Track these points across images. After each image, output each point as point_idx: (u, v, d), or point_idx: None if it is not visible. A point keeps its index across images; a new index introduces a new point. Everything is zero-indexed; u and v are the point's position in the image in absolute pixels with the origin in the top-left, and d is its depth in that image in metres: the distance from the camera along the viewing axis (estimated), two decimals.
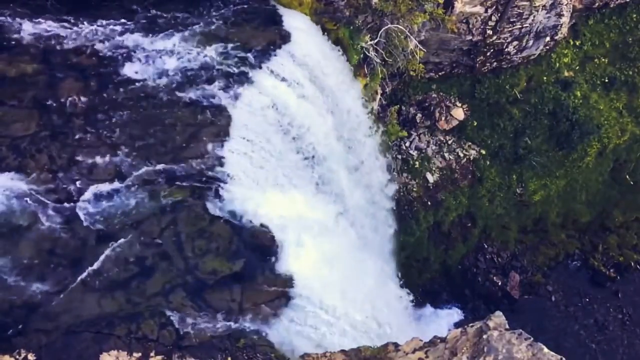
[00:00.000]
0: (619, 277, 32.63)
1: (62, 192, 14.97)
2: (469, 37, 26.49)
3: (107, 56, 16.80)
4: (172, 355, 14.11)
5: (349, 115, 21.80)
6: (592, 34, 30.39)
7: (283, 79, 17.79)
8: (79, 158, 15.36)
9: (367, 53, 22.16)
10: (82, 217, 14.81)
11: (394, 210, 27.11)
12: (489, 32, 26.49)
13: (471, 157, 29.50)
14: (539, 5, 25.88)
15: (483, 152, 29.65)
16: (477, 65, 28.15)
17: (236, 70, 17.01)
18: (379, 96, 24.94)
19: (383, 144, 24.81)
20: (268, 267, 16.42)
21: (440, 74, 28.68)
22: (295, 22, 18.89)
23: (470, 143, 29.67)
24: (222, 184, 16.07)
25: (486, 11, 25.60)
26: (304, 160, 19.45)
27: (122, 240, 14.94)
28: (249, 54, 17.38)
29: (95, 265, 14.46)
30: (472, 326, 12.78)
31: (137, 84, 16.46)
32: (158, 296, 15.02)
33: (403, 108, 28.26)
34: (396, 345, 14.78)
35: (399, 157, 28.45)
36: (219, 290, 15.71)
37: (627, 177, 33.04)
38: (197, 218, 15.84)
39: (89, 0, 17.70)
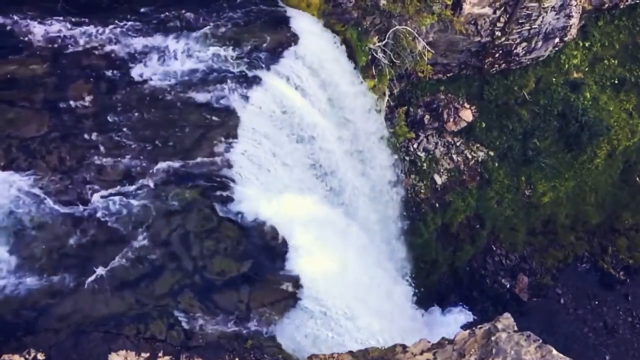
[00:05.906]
0: (628, 280, 32.44)
1: (71, 193, 15.06)
2: (478, 39, 26.41)
3: (117, 57, 16.90)
4: (180, 355, 14.16)
5: (356, 117, 21.81)
6: (601, 35, 30.21)
7: (291, 81, 17.83)
8: (89, 159, 15.45)
9: (375, 54, 22.18)
10: (91, 217, 14.90)
11: (402, 212, 27.09)
12: (498, 33, 26.39)
13: (479, 159, 29.40)
14: (548, 7, 25.76)
15: (491, 153, 29.53)
16: (486, 66, 28.05)
17: (245, 72, 17.06)
18: (386, 97, 24.92)
19: (391, 145, 24.80)
20: (276, 269, 16.44)
21: (448, 75, 28.60)
22: (303, 23, 18.93)
23: (478, 144, 29.56)
24: (230, 185, 16.12)
25: (495, 12, 25.51)
26: (312, 162, 19.47)
27: (131, 240, 15.01)
28: (257, 56, 17.43)
29: (105, 266, 14.54)
30: (480, 328, 12.75)
31: (146, 85, 16.55)
32: (166, 297, 15.07)
33: (411, 109, 28.20)
34: (404, 346, 14.75)
35: (407, 158, 28.39)
36: (227, 291, 15.74)
37: (637, 178, 32.84)
38: (205, 219, 15.89)
39: (100, 1, 17.81)
